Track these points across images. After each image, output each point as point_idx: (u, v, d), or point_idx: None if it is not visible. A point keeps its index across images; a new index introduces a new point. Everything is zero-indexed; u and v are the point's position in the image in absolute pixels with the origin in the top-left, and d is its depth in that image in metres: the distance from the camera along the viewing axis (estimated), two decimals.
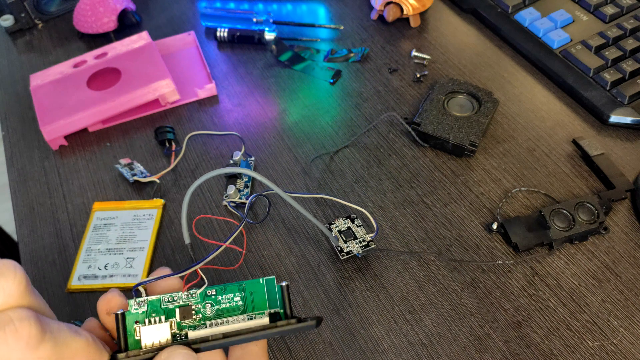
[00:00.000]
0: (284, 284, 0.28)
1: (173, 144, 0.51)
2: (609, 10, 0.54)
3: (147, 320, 0.27)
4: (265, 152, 0.50)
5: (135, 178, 0.48)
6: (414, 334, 0.38)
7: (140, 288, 0.28)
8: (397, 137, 0.50)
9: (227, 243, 0.30)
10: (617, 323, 0.37)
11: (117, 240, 0.44)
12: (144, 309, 0.27)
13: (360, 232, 0.42)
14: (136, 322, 0.27)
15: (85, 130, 0.53)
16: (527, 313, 0.38)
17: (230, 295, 0.28)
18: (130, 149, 0.52)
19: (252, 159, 0.49)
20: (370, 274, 0.41)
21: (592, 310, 0.38)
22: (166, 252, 0.44)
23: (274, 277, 0.29)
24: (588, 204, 0.41)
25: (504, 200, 0.44)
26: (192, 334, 0.27)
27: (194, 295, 0.28)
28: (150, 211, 0.46)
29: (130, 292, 0.28)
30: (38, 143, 0.53)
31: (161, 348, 0.26)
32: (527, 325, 0.38)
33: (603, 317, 0.38)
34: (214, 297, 0.28)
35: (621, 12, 0.54)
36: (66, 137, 0.53)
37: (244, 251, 0.41)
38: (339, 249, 0.41)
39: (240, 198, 0.46)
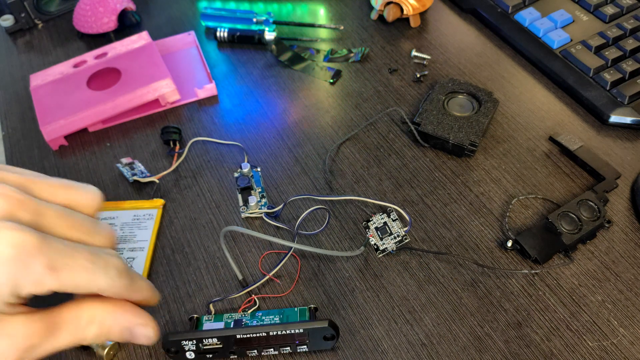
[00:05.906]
0: (311, 306, 0.39)
1: (177, 144, 0.51)
2: (609, 10, 0.54)
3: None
4: (265, 152, 0.50)
5: (135, 178, 0.48)
6: (414, 334, 0.38)
7: (211, 306, 0.40)
8: (397, 137, 0.50)
9: (271, 275, 0.41)
10: (617, 323, 0.37)
11: (117, 240, 0.44)
12: (211, 319, 0.39)
13: (395, 226, 0.43)
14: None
15: (85, 130, 0.53)
16: (527, 313, 0.38)
17: (271, 316, 0.38)
18: (131, 149, 0.52)
19: (259, 169, 0.48)
20: (370, 274, 0.41)
21: (592, 310, 0.38)
22: (166, 252, 0.44)
23: (307, 307, 0.39)
24: (588, 201, 0.41)
25: (508, 214, 0.43)
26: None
27: (245, 314, 0.39)
28: (150, 211, 0.46)
29: None
30: (38, 143, 0.53)
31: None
32: (527, 325, 0.38)
33: (603, 317, 0.38)
34: (259, 317, 0.38)
35: (621, 12, 0.54)
36: (66, 137, 0.53)
37: (297, 276, 0.41)
38: (375, 247, 0.42)
39: (260, 208, 0.45)
